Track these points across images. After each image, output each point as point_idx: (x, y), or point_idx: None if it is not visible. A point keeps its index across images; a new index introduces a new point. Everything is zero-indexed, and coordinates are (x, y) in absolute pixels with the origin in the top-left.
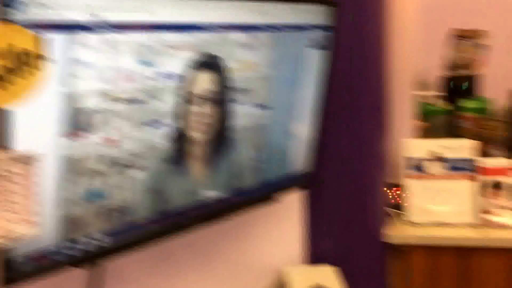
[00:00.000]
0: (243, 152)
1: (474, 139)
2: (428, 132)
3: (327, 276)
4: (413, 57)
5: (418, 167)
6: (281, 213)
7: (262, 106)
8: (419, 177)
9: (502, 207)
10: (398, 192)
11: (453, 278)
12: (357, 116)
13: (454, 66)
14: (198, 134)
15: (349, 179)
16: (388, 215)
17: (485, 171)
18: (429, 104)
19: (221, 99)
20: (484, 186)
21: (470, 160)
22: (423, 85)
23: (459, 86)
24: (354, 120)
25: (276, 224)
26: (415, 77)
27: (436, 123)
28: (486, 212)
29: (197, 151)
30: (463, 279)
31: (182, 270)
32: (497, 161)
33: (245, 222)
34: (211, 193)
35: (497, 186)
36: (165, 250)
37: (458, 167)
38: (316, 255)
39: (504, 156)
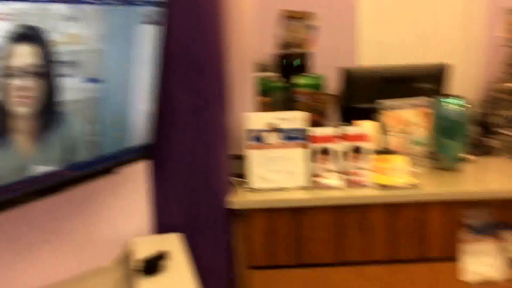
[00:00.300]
0: (76, 126)
1: (309, 111)
2: (269, 107)
3: (171, 243)
4: (251, 37)
5: (257, 138)
6: (126, 185)
7: (94, 80)
8: (258, 147)
9: (329, 170)
10: (241, 162)
11: (289, 235)
12: (200, 91)
13: (287, 45)
14: (21, 108)
15: (194, 150)
16: (232, 183)
17: (314, 139)
18: (269, 81)
19: (45, 73)
20: (314, 152)
21: (302, 130)
22: (262, 63)
23: (291, 63)
24: (197, 94)
25: (122, 197)
26: (254, 56)
27: (276, 98)
28: (316, 175)
29: (23, 125)
30: (297, 235)
31: (26, 247)
32: (325, 130)
33: (89, 196)
34: (42, 168)
35: (324, 152)
36: (7, 227)
37: (292, 136)
38: (164, 224)
39: (333, 126)
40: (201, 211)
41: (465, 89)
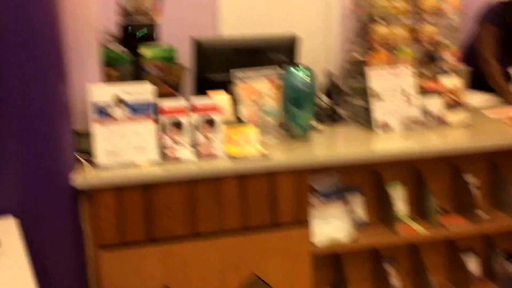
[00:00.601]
0: None
1: (160, 83)
2: (116, 79)
3: (3, 229)
4: (93, 4)
5: (103, 112)
6: None
7: None
8: (104, 122)
9: (181, 143)
10: (86, 137)
11: (140, 212)
12: (32, 59)
13: (132, 14)
14: None
15: (28, 125)
16: (77, 161)
17: (164, 111)
18: (115, 52)
19: None
20: (164, 125)
21: (151, 103)
22: (108, 33)
23: (137, 34)
24: (28, 63)
25: None
26: (98, 25)
27: (123, 70)
28: (167, 149)
29: None
30: (149, 211)
31: None
32: (175, 102)
33: None
34: None
35: (175, 124)
36: None
37: (141, 109)
38: None
39: (186, 98)
40: (40, 192)
41: (317, 60)
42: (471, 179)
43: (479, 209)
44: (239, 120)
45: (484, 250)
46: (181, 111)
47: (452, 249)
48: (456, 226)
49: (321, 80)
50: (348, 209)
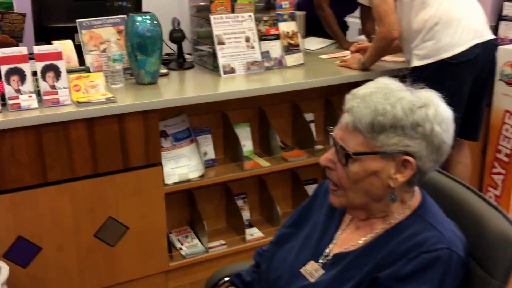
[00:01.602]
0: None
1: None
2: None
3: None
4: None
5: None
6: None
7: None
8: None
9: (24, 92)
10: None
11: None
12: None
13: None
14: None
15: None
16: None
17: (3, 60)
18: None
19: None
20: (5, 74)
21: None
22: None
23: None
24: None
25: None
26: None
27: None
28: (10, 97)
29: None
30: None
31: None
32: (15, 50)
33: None
34: None
35: (17, 73)
36: None
37: None
38: None
39: (25, 46)
40: None
41: (169, 8)
42: (310, 116)
43: (316, 143)
44: (85, 68)
45: (323, 179)
46: (21, 59)
47: (296, 180)
48: (297, 159)
49: (169, 27)
50: (198, 150)
